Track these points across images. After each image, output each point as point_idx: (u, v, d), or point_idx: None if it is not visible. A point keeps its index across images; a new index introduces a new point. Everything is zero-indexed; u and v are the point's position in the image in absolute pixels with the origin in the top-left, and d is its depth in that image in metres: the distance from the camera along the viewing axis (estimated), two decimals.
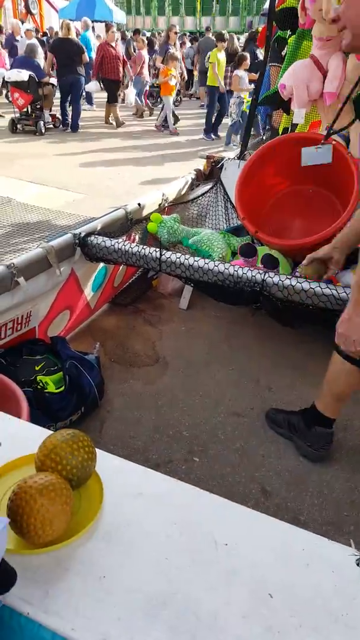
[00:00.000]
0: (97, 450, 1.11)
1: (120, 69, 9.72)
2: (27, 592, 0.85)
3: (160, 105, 10.52)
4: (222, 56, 8.89)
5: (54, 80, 8.87)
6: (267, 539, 0.96)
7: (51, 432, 1.14)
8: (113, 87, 9.90)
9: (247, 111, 5.45)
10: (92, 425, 2.32)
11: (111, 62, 9.55)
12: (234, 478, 2.09)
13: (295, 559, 0.92)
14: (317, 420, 2.17)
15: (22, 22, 14.34)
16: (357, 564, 0.92)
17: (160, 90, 9.86)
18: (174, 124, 9.73)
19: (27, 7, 18.44)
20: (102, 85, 10.39)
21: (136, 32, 13.42)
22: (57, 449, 0.98)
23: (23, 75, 8.23)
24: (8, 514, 0.91)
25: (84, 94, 9.84)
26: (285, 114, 3.69)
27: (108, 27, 10.25)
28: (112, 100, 9.98)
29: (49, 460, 0.98)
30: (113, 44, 9.59)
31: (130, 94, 11.04)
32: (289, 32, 3.63)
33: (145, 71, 11.17)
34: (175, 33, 10.79)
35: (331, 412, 2.14)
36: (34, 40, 9.97)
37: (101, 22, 15.06)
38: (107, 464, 1.10)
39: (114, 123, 10.04)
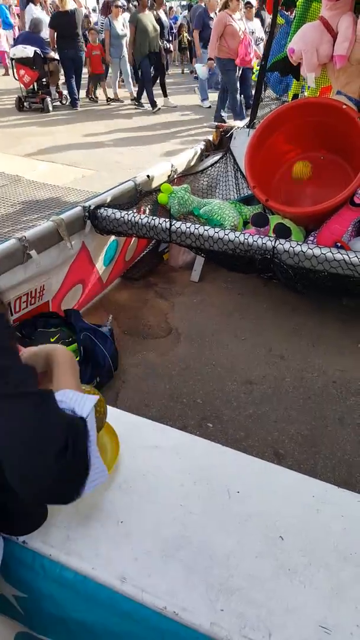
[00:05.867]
0: (114, 409, 1.15)
1: None
2: (49, 536, 0.90)
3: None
4: None
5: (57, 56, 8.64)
6: (278, 487, 0.99)
7: None
8: None
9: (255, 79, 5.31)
10: (107, 395, 2.36)
11: None
12: (247, 442, 2.13)
13: (306, 505, 0.95)
14: None
15: None
16: None
17: None
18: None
19: None
20: None
21: None
22: None
23: (28, 51, 8.08)
24: None
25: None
26: (295, 79, 3.62)
27: None
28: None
29: None
30: None
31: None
32: None
33: None
34: None
35: None
36: (38, 15, 9.70)
37: None
38: (123, 420, 1.14)
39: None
